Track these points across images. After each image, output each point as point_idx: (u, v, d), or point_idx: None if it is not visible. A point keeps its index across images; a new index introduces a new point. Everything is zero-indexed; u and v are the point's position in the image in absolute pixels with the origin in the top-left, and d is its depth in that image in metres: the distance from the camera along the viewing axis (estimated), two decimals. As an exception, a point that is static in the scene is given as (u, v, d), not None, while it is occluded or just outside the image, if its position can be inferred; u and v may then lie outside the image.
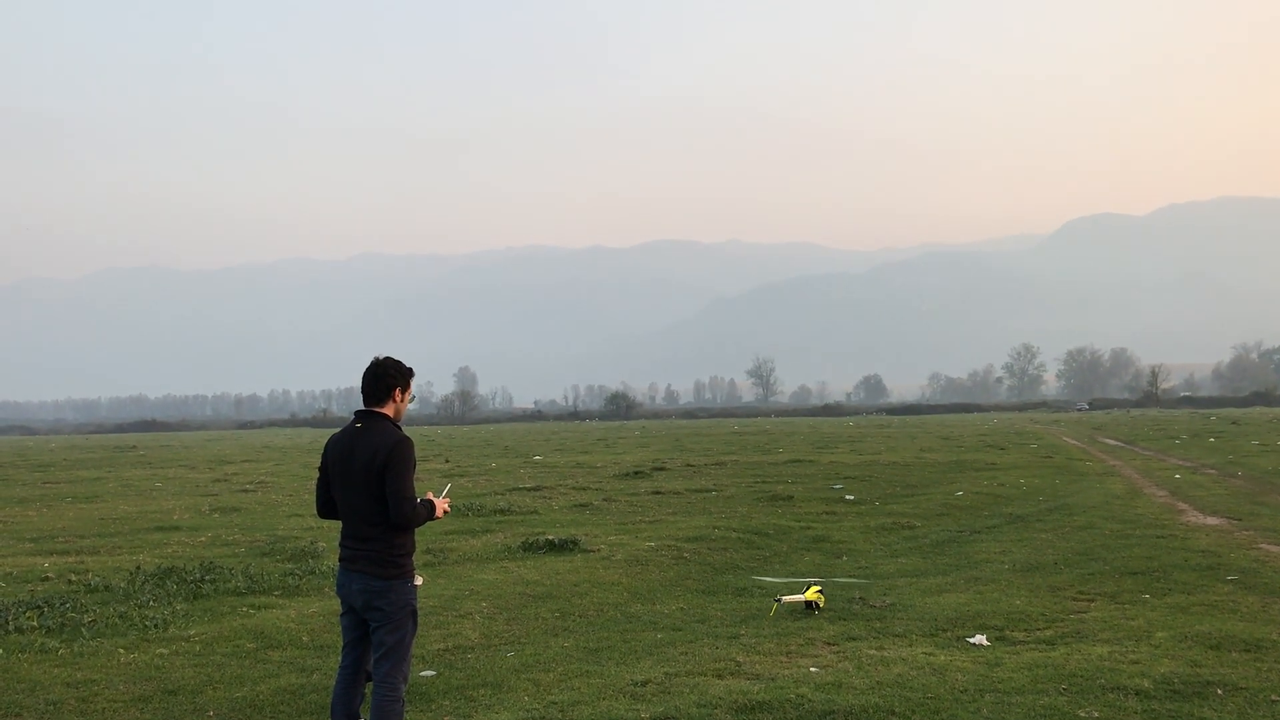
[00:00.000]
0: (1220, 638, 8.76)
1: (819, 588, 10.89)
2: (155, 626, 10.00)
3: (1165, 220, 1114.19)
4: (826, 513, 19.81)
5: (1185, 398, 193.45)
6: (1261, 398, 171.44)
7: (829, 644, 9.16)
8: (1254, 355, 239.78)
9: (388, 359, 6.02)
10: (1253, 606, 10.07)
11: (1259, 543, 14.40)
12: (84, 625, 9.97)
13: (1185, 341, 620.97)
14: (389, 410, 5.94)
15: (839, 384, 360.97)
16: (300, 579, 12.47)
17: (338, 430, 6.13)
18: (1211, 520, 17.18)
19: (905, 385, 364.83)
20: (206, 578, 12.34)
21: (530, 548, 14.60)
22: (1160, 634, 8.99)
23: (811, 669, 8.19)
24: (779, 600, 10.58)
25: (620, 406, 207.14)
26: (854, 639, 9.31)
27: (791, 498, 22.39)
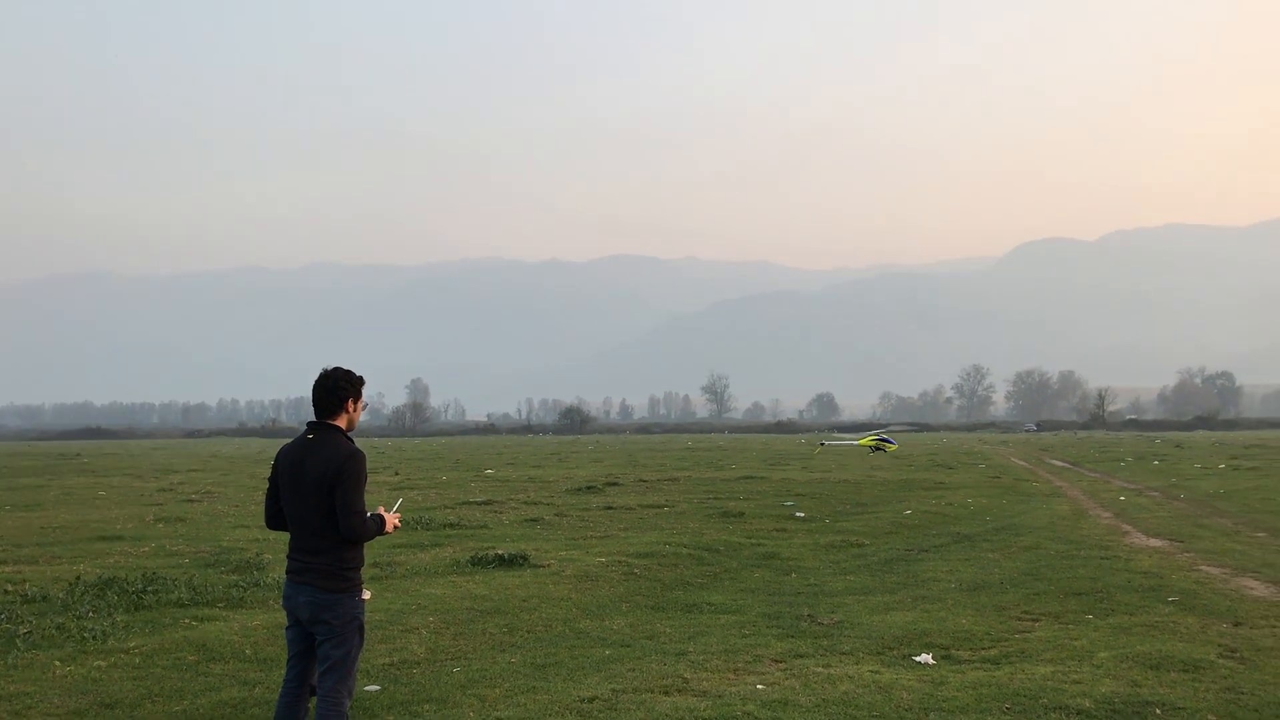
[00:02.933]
0: (1160, 658, 8.89)
1: (877, 435, 11.09)
2: (94, 638, 9.81)
3: (1114, 245, 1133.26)
4: (777, 529, 19.88)
5: (1131, 420, 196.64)
6: (1204, 421, 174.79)
7: (776, 661, 9.18)
8: (1197, 380, 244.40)
9: (337, 370, 5.98)
10: (1192, 627, 10.23)
11: (1199, 564, 14.64)
12: (19, 637, 9.74)
13: (1131, 365, 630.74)
14: (341, 422, 5.91)
15: (792, 401, 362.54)
16: (245, 590, 12.29)
17: (288, 441, 6.08)
18: (1154, 542, 17.44)
19: (857, 404, 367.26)
20: (148, 589, 12.13)
21: (479, 562, 14.51)
22: (1102, 654, 9.11)
23: (758, 686, 8.21)
24: (822, 445, 10.76)
25: (574, 421, 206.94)
26: (801, 656, 9.34)
27: (743, 514, 22.44)
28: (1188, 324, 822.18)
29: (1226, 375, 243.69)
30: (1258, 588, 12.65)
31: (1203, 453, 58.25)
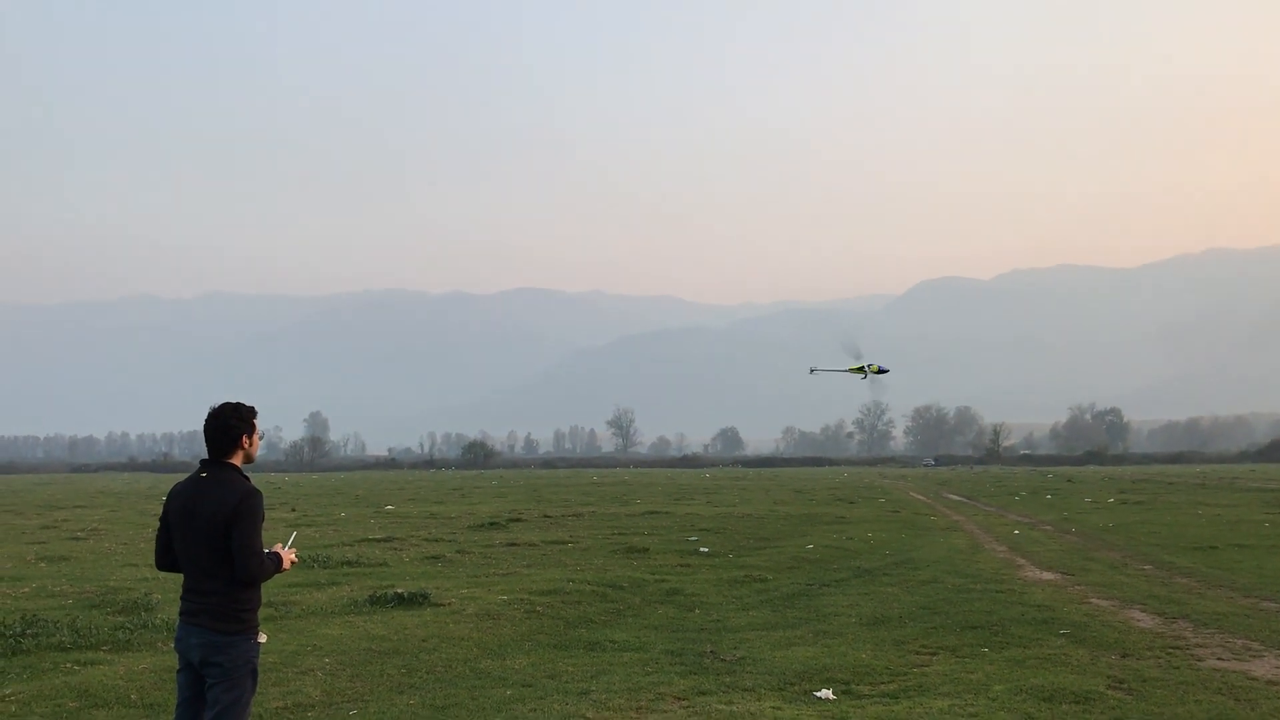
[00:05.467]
0: (1053, 690, 9.08)
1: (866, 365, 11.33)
2: (-34, 686, 9.34)
3: (1008, 285, 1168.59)
4: (681, 565, 19.88)
5: (1025, 455, 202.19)
6: (1094, 457, 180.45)
7: (679, 699, 9.14)
8: (1088, 416, 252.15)
9: (226, 405, 5.84)
10: (1083, 659, 10.48)
11: (1090, 597, 15.04)
12: (-116, 685, 9.24)
13: (1025, 401, 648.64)
14: (237, 459, 5.78)
15: (697, 436, 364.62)
16: (132, 633, 11.85)
17: (181, 478, 5.91)
18: (1047, 575, 17.88)
19: (761, 438, 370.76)
20: (27, 632, 11.60)
21: (378, 601, 14.21)
22: (998, 687, 9.28)
23: (661, 725, 8.16)
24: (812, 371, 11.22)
25: (478, 455, 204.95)
26: (704, 693, 9.32)
27: (647, 550, 22.41)
28: (1078, 361, 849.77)
29: (1115, 411, 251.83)
30: (1144, 619, 13.04)
31: (1093, 487, 60.11)
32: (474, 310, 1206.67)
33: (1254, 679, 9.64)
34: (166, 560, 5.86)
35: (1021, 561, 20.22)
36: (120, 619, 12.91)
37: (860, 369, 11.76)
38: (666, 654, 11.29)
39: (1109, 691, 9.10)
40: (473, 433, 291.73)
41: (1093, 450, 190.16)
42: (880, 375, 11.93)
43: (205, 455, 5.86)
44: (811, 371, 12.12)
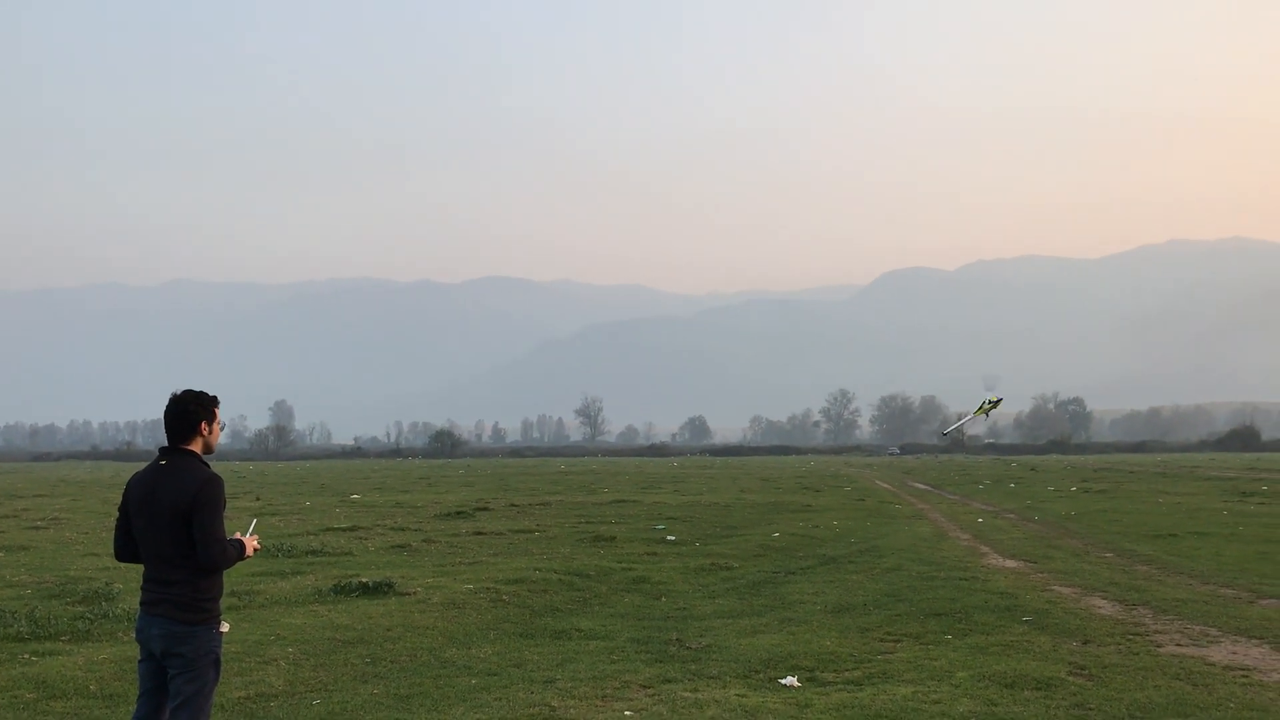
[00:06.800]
0: (1015, 677, 9.17)
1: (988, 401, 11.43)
2: (-80, 677, 9.20)
3: (972, 275, 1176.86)
4: (648, 554, 19.91)
5: (989, 444, 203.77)
6: (1058, 446, 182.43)
7: (644, 687, 9.16)
8: (1051, 405, 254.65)
9: (187, 392, 5.78)
10: (1045, 646, 10.59)
11: (1052, 584, 15.19)
12: None
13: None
14: (196, 446, 5.72)
15: (665, 425, 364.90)
16: (92, 623, 11.70)
17: (142, 466, 5.84)
18: (1010, 563, 18.04)
19: (728, 427, 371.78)
20: (-16, 623, 11.44)
21: (342, 590, 14.13)
22: (961, 674, 9.35)
23: (626, 713, 8.18)
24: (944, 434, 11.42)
25: (445, 444, 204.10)
26: (669, 681, 9.34)
27: (614, 538, 22.43)
28: (1042, 351, 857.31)
29: (1078, 401, 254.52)
30: (1105, 606, 13.19)
31: (1056, 476, 60.71)
32: (441, 298, 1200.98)
33: (1211, 664, 9.78)
34: (126, 551, 5.80)
35: (985, 549, 20.39)
36: (80, 609, 12.76)
37: (983, 408, 11.73)
38: (632, 642, 11.30)
39: (1070, 678, 9.20)
40: (440, 422, 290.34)
41: (1056, 439, 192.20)
42: (995, 406, 11.85)
43: (166, 443, 5.79)
44: (945, 434, 12.34)
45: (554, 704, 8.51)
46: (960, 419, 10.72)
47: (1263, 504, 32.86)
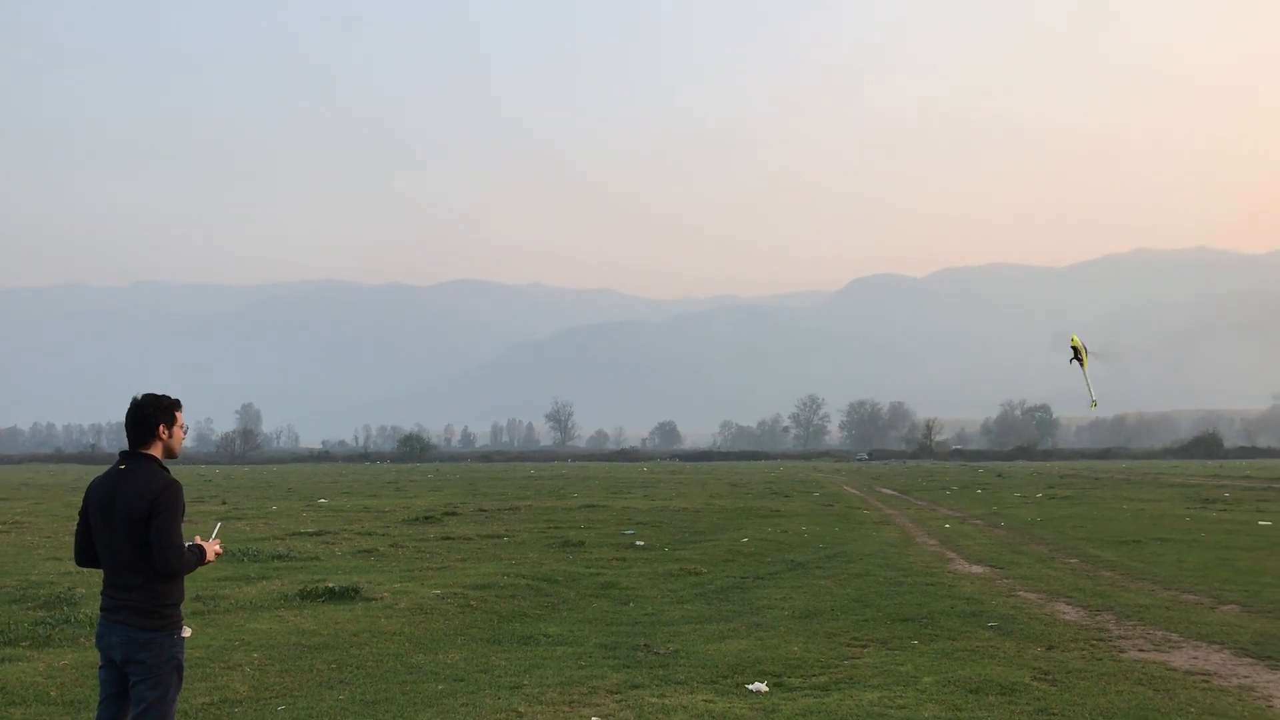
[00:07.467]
0: (980, 682, 9.23)
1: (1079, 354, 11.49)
2: (-124, 684, 9.05)
3: (941, 282, 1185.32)
4: (617, 559, 19.89)
5: (956, 450, 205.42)
6: (1024, 452, 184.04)
7: (612, 693, 9.15)
8: (1018, 412, 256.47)
9: (147, 396, 5.74)
10: (1009, 651, 10.67)
11: (1017, 590, 15.31)
12: None
13: (957, 397, 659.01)
14: (156, 450, 5.67)
15: (635, 430, 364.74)
16: (53, 628, 11.56)
17: (103, 470, 5.79)
18: (976, 569, 18.16)
19: (698, 432, 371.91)
20: (-58, 629, 11.27)
21: (309, 595, 14.03)
22: (926, 679, 9.40)
23: (593, 719, 8.16)
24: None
25: (414, 449, 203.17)
26: (637, 687, 9.34)
27: (583, 543, 22.40)
28: (1008, 358, 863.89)
29: (1044, 408, 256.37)
30: (1069, 612, 13.30)
31: (1022, 482, 61.21)
32: (411, 301, 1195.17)
33: (1173, 669, 9.89)
34: (86, 556, 5.75)
35: (952, 555, 20.52)
36: (41, 614, 12.60)
37: (1076, 353, 11.60)
38: (600, 648, 11.29)
39: (1034, 683, 9.27)
40: (408, 426, 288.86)
41: (1022, 446, 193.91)
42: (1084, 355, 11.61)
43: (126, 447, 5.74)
44: (1095, 405, 12.02)
45: (521, 710, 8.49)
46: (1086, 383, 10.81)
47: (1224, 510, 33.28)
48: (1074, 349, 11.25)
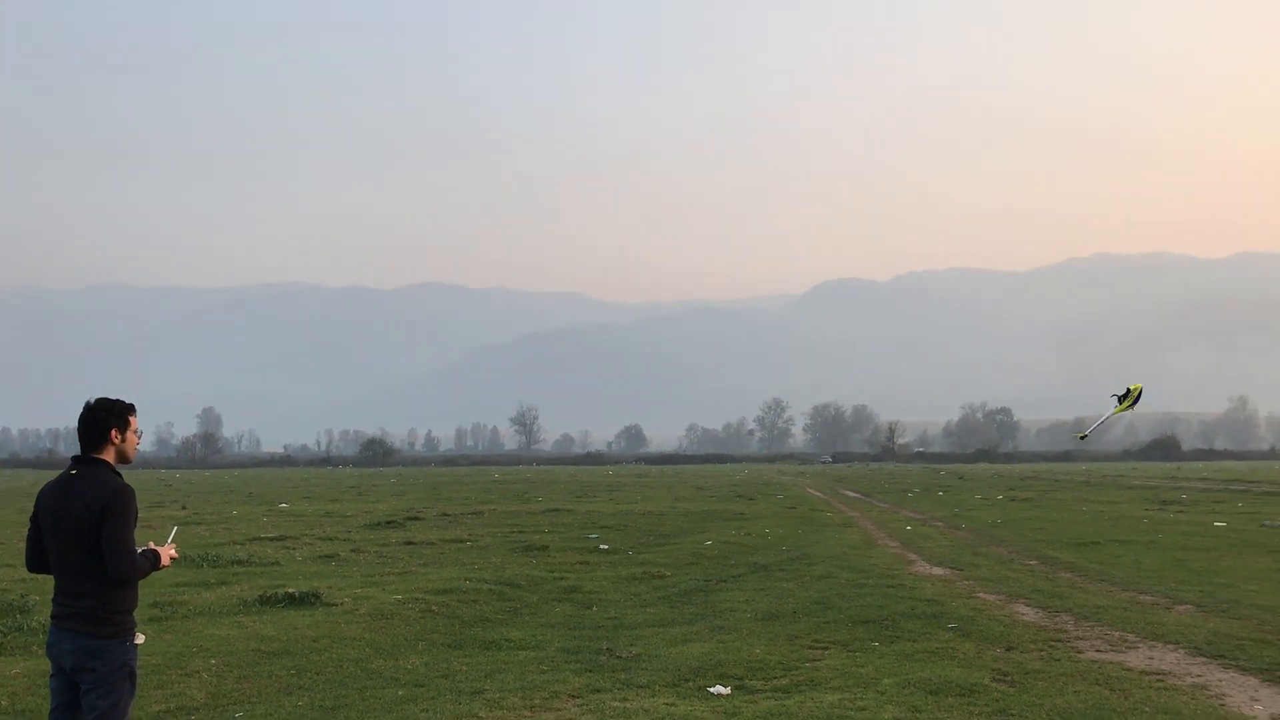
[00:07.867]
0: (939, 683, 9.29)
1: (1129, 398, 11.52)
2: None
3: (903, 286, 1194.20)
4: (580, 563, 19.87)
5: (919, 453, 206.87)
6: (985, 454, 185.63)
7: (573, 697, 9.13)
8: (979, 415, 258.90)
9: (100, 400, 5.67)
10: (969, 653, 10.75)
11: (977, 592, 15.43)
12: None
13: (920, 400, 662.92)
14: (108, 455, 5.60)
15: (601, 433, 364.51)
16: (5, 636, 11.38)
17: (55, 476, 5.71)
18: (937, 570, 18.29)
19: (664, 435, 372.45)
20: (-109, 637, 11.06)
21: (268, 601, 13.91)
22: (887, 680, 9.45)
23: (554, 724, 8.13)
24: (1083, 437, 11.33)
25: (376, 453, 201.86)
26: (598, 691, 9.32)
27: (547, 548, 22.35)
28: (971, 362, 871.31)
29: (1006, 411, 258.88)
30: (1028, 613, 13.42)
31: (983, 484, 61.73)
32: (374, 305, 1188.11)
33: (1129, 670, 10.00)
34: (38, 562, 5.67)
35: (913, 557, 20.65)
36: (-7, 622, 12.40)
37: (1129, 401, 11.53)
38: (563, 652, 11.27)
39: (993, 684, 9.34)
40: (371, 430, 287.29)
41: (984, 448, 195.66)
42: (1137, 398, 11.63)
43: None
44: (1083, 438, 12.13)
45: (482, 715, 8.45)
46: (1101, 419, 10.87)
47: (1181, 512, 33.74)
48: (1129, 391, 11.44)
